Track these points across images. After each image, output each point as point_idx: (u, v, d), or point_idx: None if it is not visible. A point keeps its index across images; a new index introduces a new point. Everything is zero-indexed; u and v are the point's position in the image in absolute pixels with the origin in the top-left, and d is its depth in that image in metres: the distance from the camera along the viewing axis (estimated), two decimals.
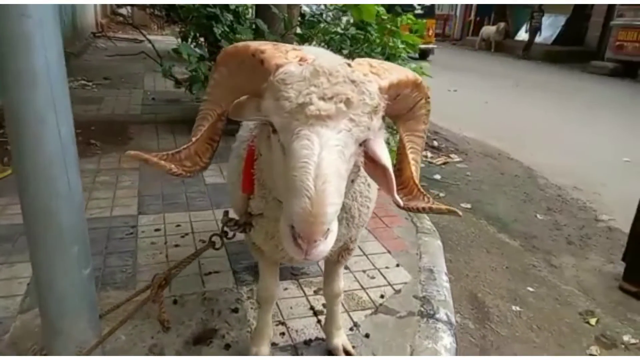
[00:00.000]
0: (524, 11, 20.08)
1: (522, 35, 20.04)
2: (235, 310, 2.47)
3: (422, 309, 2.57)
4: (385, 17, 4.62)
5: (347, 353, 2.19)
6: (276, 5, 4.71)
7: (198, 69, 4.59)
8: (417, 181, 1.38)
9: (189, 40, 5.52)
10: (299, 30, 5.02)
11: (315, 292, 2.69)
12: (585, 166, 6.28)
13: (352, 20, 4.81)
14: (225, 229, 1.68)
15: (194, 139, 1.35)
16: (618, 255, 3.61)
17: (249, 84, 1.24)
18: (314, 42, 5.03)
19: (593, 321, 2.97)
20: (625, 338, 2.83)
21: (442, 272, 3.05)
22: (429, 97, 1.34)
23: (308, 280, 2.82)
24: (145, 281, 2.42)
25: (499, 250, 3.85)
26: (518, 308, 3.06)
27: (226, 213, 1.74)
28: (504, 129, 7.91)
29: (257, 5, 5.14)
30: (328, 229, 1.08)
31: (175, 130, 5.65)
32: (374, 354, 2.24)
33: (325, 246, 1.10)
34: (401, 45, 4.63)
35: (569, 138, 7.67)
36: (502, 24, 20.48)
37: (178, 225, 3.34)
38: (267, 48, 1.19)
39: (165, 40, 11.10)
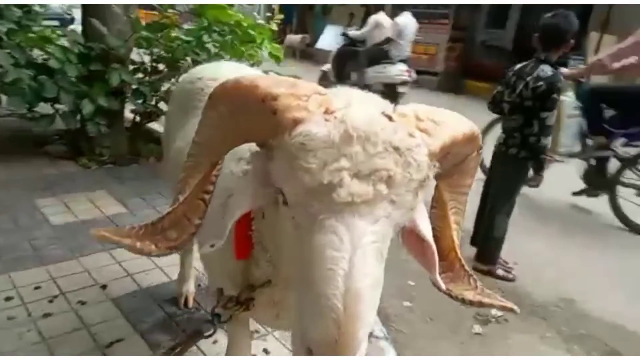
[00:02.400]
0: (321, 22, 21.04)
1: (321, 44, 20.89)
2: None
3: None
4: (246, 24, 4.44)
5: None
6: (120, 5, 4.11)
7: None
8: (459, 252, 1.15)
9: None
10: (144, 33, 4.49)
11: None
12: None
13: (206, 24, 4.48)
14: (219, 310, 1.36)
15: (182, 198, 1.04)
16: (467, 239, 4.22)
17: (256, 131, 0.95)
18: (157, 49, 4.57)
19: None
20: (493, 312, 3.35)
21: None
22: (481, 148, 1.09)
23: None
24: None
25: None
26: (409, 303, 3.35)
27: (221, 291, 1.43)
28: None
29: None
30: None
31: None
32: None
33: None
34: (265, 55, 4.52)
35: None
36: (306, 36, 20.84)
37: (37, 287, 2.69)
38: (282, 93, 0.88)
39: None
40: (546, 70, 3.69)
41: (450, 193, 1.12)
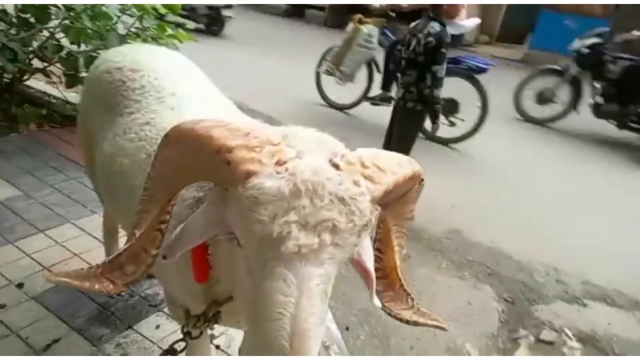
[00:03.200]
0: None
1: None
2: None
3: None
4: None
5: None
6: None
7: None
8: (400, 274, 1.22)
9: None
10: None
11: None
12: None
13: None
14: (189, 329, 1.41)
15: (138, 233, 1.06)
16: None
17: (210, 174, 1.00)
18: None
19: None
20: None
21: None
22: (422, 180, 1.16)
23: None
24: None
25: None
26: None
27: (187, 312, 1.47)
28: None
29: None
30: None
31: None
32: None
33: None
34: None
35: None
36: None
37: None
38: (236, 145, 0.91)
39: None
40: (435, 26, 3.97)
41: (394, 220, 1.19)
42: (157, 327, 2.40)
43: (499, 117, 7.41)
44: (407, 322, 1.20)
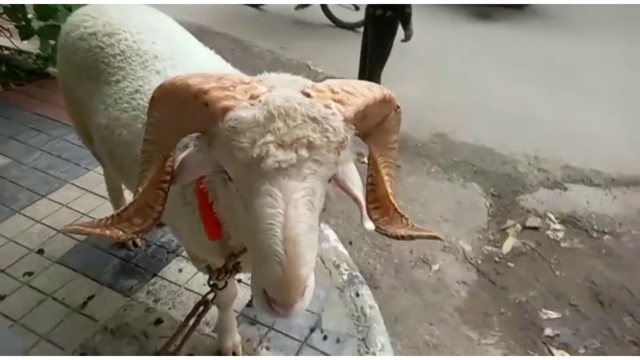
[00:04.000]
0: None
1: None
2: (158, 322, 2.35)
3: None
4: None
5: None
6: None
7: None
8: (393, 199, 1.28)
9: None
10: None
11: None
12: None
13: None
14: (214, 281, 1.57)
15: (140, 189, 1.15)
16: None
17: (195, 124, 1.08)
18: None
19: None
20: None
21: None
22: (398, 108, 1.21)
23: None
24: None
25: None
26: None
27: (209, 267, 1.62)
28: None
29: None
30: (304, 287, 1.01)
31: None
32: None
33: (304, 304, 1.03)
34: None
35: None
36: None
37: None
38: (211, 87, 1.00)
39: None
40: None
41: (379, 150, 1.24)
42: (180, 270, 2.58)
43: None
44: (403, 237, 1.27)
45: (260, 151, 0.94)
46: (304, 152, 0.96)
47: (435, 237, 1.32)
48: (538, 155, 4.44)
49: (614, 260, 3.31)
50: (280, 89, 1.03)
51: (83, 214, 2.94)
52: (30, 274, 2.53)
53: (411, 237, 1.27)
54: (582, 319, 2.87)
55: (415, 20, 4.32)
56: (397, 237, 1.27)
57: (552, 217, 3.71)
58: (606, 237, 3.53)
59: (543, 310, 2.93)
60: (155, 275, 2.55)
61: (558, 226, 3.63)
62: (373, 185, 1.26)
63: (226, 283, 1.61)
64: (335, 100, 1.02)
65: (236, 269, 1.56)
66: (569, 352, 2.66)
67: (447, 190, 3.99)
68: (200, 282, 2.50)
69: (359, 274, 2.70)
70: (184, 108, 1.05)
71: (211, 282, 1.59)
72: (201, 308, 1.63)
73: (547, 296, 3.03)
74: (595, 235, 3.54)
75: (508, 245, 3.44)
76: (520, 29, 7.56)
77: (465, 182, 4.09)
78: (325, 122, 0.98)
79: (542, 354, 2.67)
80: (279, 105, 0.96)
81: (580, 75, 6.03)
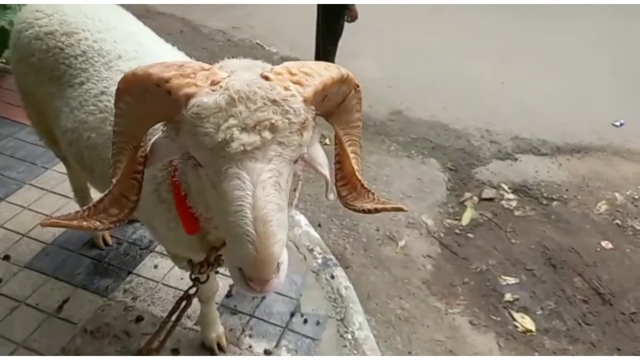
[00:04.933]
0: None
1: None
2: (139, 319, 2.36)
3: None
4: None
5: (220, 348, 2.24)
6: None
7: None
8: (359, 176, 1.32)
9: None
10: None
11: None
12: None
13: None
14: (196, 275, 1.60)
15: (114, 180, 1.19)
16: None
17: (160, 112, 1.11)
18: None
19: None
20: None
21: None
22: (358, 86, 1.23)
23: None
24: None
25: None
26: None
27: (190, 261, 1.64)
28: None
29: None
30: (278, 263, 1.05)
31: None
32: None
33: (279, 279, 1.07)
34: None
35: None
36: None
37: None
38: (172, 75, 1.03)
39: None
40: None
41: (342, 129, 1.28)
42: (155, 266, 2.59)
43: None
44: (370, 211, 1.32)
45: (225, 135, 0.97)
46: (267, 134, 0.99)
47: (399, 209, 1.38)
48: (489, 128, 4.66)
49: (562, 225, 3.58)
50: (240, 73, 1.07)
51: (47, 215, 2.86)
52: None
53: (377, 210, 1.32)
54: (538, 282, 3.12)
55: None
56: (364, 211, 1.32)
57: (505, 187, 3.94)
58: (555, 203, 3.79)
59: (502, 277, 3.15)
60: (130, 273, 2.55)
61: (511, 196, 3.86)
62: (340, 163, 1.31)
63: (208, 276, 1.66)
64: (293, 82, 1.05)
65: (218, 261, 1.59)
66: (528, 314, 2.89)
67: (407, 167, 4.14)
68: (177, 276, 2.53)
69: (332, 257, 2.80)
70: (148, 97, 1.08)
71: (193, 277, 1.62)
72: (184, 303, 1.67)
73: (505, 263, 3.26)
74: (545, 202, 3.80)
75: (467, 217, 3.64)
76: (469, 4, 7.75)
77: (424, 158, 4.25)
78: (285, 104, 1.01)
79: (503, 318, 2.88)
80: (239, 90, 0.99)
81: (524, 48, 6.29)
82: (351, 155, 1.30)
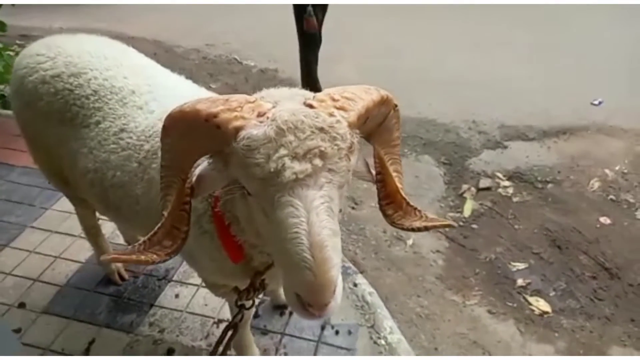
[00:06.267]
0: None
1: None
2: (170, 352, 2.34)
3: None
4: None
5: None
6: None
7: None
8: (404, 194, 1.33)
9: None
10: None
11: None
12: None
13: None
14: (243, 302, 1.62)
15: (165, 213, 1.22)
16: None
17: (208, 146, 1.14)
18: None
19: None
20: None
21: None
22: (396, 106, 1.25)
23: None
24: None
25: None
26: None
27: (236, 289, 1.65)
28: None
29: None
30: (335, 287, 1.05)
31: None
32: None
33: (336, 302, 1.07)
34: None
35: None
36: None
37: None
38: (220, 110, 1.06)
39: None
40: None
41: (383, 149, 1.29)
42: (177, 296, 2.57)
43: None
44: (420, 229, 1.31)
45: (277, 165, 0.99)
46: (317, 162, 1.01)
47: (448, 226, 1.40)
48: (475, 119, 4.76)
49: (560, 206, 3.69)
50: (284, 103, 1.10)
51: (56, 256, 2.81)
52: (17, 331, 2.41)
53: (427, 228, 1.31)
54: (546, 265, 3.21)
55: None
56: (413, 230, 1.32)
57: (500, 175, 4.04)
58: (549, 185, 3.91)
59: (512, 263, 3.23)
60: (152, 305, 2.53)
61: (507, 183, 3.96)
62: (383, 182, 1.30)
63: (253, 302, 1.67)
64: (337, 108, 1.08)
65: (263, 286, 1.61)
66: (542, 297, 2.98)
67: (403, 166, 4.14)
68: (200, 303, 2.52)
69: (351, 265, 2.83)
70: (195, 132, 1.10)
71: (239, 303, 1.63)
72: (230, 332, 1.68)
73: (512, 250, 3.34)
74: (540, 186, 3.91)
75: (468, 208, 3.72)
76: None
77: (418, 155, 4.32)
78: (332, 130, 1.03)
79: (519, 303, 2.96)
80: (286, 120, 1.02)
81: (500, 36, 6.45)
82: (394, 174, 1.31)
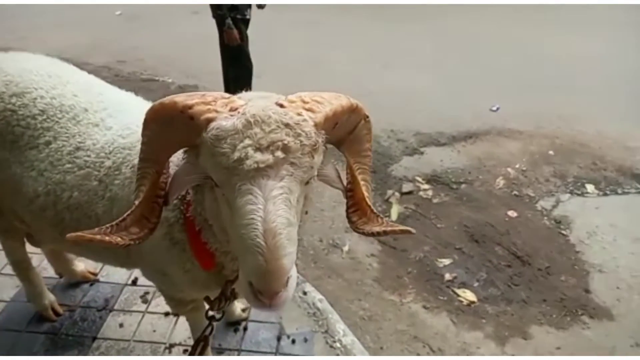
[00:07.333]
0: None
1: None
2: None
3: None
4: None
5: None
6: None
7: None
8: (369, 202, 1.39)
9: None
10: None
11: None
12: None
13: None
14: (213, 313, 1.63)
15: (137, 202, 1.26)
16: None
17: (183, 138, 1.20)
18: None
19: None
20: None
21: None
22: (367, 117, 1.30)
23: None
24: None
25: None
26: None
27: (207, 298, 1.65)
28: None
29: None
30: (287, 278, 1.08)
31: None
32: None
33: (288, 294, 1.10)
34: None
35: None
36: None
37: None
38: (195, 102, 1.14)
39: None
40: None
41: (353, 158, 1.36)
42: (121, 325, 2.48)
43: None
44: (379, 233, 1.38)
45: (240, 154, 1.05)
46: (279, 154, 1.07)
47: (407, 232, 1.42)
48: (393, 128, 5.08)
49: (474, 204, 4.08)
50: (257, 100, 1.17)
51: (6, 301, 2.58)
52: None
53: (385, 233, 1.38)
54: (468, 258, 3.53)
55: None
56: (372, 234, 1.39)
57: (420, 179, 4.36)
58: (463, 186, 4.29)
59: (438, 259, 3.51)
60: (95, 338, 2.41)
61: (426, 186, 4.28)
62: (351, 191, 1.39)
63: (223, 312, 1.69)
64: (305, 109, 1.14)
65: (234, 295, 1.65)
66: (467, 288, 3.27)
67: None
68: (148, 330, 2.45)
69: (298, 275, 2.90)
70: (172, 124, 1.16)
71: (209, 315, 1.65)
72: (201, 344, 1.69)
73: (437, 247, 3.63)
74: (455, 187, 4.28)
75: (394, 212, 3.97)
76: (348, 18, 8.27)
77: (343, 165, 4.50)
78: (297, 127, 1.09)
79: (448, 296, 3.23)
80: (255, 114, 1.08)
81: (404, 52, 6.92)
82: (362, 183, 1.38)
